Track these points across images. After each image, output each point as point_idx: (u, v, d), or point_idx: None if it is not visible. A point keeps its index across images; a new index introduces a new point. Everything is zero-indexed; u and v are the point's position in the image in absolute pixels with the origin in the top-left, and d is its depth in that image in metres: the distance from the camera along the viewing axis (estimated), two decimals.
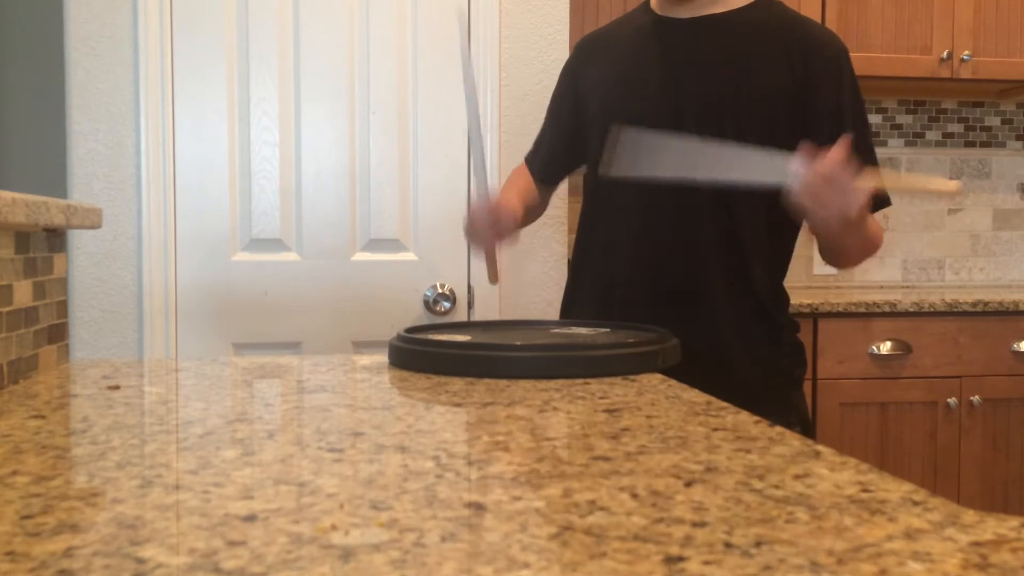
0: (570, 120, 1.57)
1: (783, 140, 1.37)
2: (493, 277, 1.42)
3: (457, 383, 1.02)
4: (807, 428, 1.45)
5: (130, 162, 2.12)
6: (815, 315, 2.40)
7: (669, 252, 1.40)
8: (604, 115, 1.46)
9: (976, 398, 2.48)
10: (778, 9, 1.42)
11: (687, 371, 1.12)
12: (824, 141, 1.37)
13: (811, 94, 1.36)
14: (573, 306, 1.55)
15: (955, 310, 2.48)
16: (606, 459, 0.67)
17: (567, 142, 1.58)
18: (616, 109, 1.44)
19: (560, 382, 1.02)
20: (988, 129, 3.19)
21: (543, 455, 0.68)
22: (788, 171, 1.17)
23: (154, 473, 0.63)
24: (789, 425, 1.34)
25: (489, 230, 1.37)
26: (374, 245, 2.23)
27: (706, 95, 1.37)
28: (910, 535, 0.49)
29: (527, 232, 2.20)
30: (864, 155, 1.38)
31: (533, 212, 1.61)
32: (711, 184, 1.26)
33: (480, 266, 2.23)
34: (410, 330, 1.25)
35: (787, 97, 1.35)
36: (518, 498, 0.57)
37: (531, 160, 1.65)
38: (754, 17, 1.40)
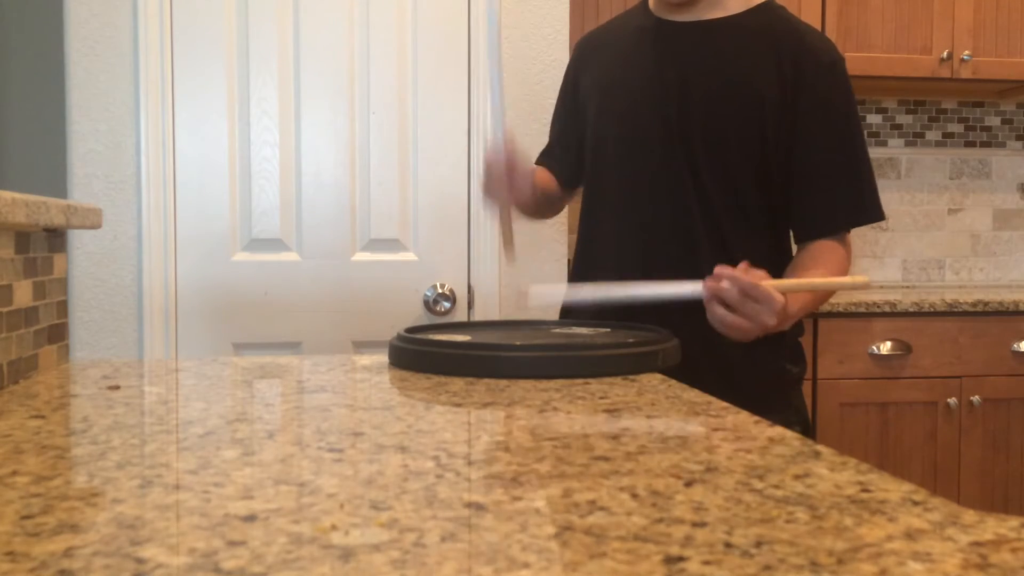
0: (575, 121, 1.56)
1: (773, 146, 1.37)
2: (510, 253, 1.35)
3: (457, 383, 1.02)
4: (807, 428, 1.45)
5: (130, 162, 2.12)
6: (815, 315, 2.40)
7: (667, 252, 1.40)
8: (601, 118, 1.47)
9: (976, 398, 2.48)
10: (776, 14, 1.42)
11: (687, 371, 1.12)
12: (811, 150, 1.36)
13: (801, 102, 1.35)
14: (574, 306, 1.55)
15: (955, 310, 2.48)
16: (606, 459, 0.67)
17: (577, 143, 1.57)
18: (612, 112, 1.44)
19: (560, 382, 1.02)
20: (988, 129, 3.19)
21: (543, 455, 0.68)
22: (698, 290, 1.18)
23: (154, 473, 0.63)
24: (789, 425, 1.34)
25: (506, 181, 1.31)
26: (374, 245, 2.23)
27: (700, 100, 1.37)
28: (910, 535, 0.49)
29: (527, 232, 2.21)
30: (856, 164, 1.38)
31: (546, 201, 1.58)
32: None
33: (480, 266, 2.23)
34: (410, 330, 1.25)
35: (777, 104, 1.35)
36: (518, 498, 0.57)
37: (547, 163, 1.62)
38: (752, 22, 1.40)
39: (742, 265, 1.17)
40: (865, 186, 1.39)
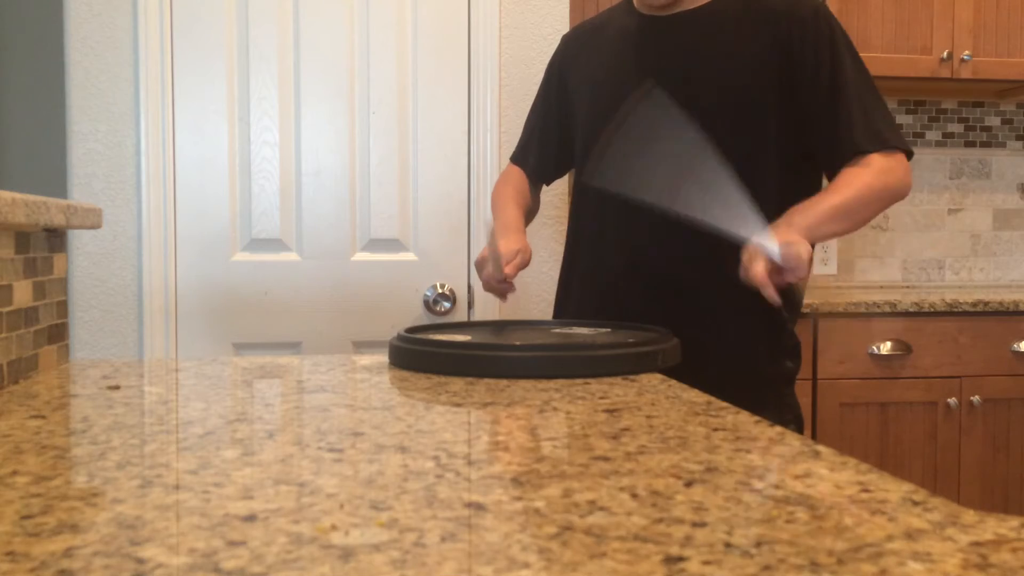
0: (559, 116, 1.57)
1: (775, 127, 1.36)
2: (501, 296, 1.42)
3: (457, 383, 1.02)
4: (801, 425, 1.45)
5: (130, 162, 2.12)
6: (815, 315, 2.40)
7: (660, 249, 1.40)
8: (591, 117, 1.47)
9: (976, 398, 2.48)
10: None
11: (686, 366, 1.13)
12: (818, 95, 1.35)
13: (796, 57, 1.34)
14: (566, 304, 1.55)
15: (955, 310, 2.48)
16: (606, 459, 0.67)
17: (558, 138, 1.58)
18: (603, 111, 1.44)
19: (560, 382, 1.02)
20: (988, 129, 3.19)
21: (543, 455, 0.68)
22: (754, 235, 1.20)
23: (154, 473, 0.63)
24: (785, 423, 1.34)
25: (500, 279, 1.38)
26: (374, 245, 2.23)
27: (693, 92, 1.37)
28: (910, 535, 0.49)
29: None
30: (862, 93, 1.35)
31: (530, 216, 1.62)
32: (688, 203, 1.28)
33: None
34: (410, 330, 1.25)
35: (777, 72, 1.34)
36: (518, 498, 0.57)
37: (522, 159, 1.65)
38: (733, 4, 1.39)
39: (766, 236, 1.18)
40: (875, 112, 1.34)
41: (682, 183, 1.38)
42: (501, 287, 1.38)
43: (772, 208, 1.34)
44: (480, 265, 1.39)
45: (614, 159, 1.44)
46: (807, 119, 1.36)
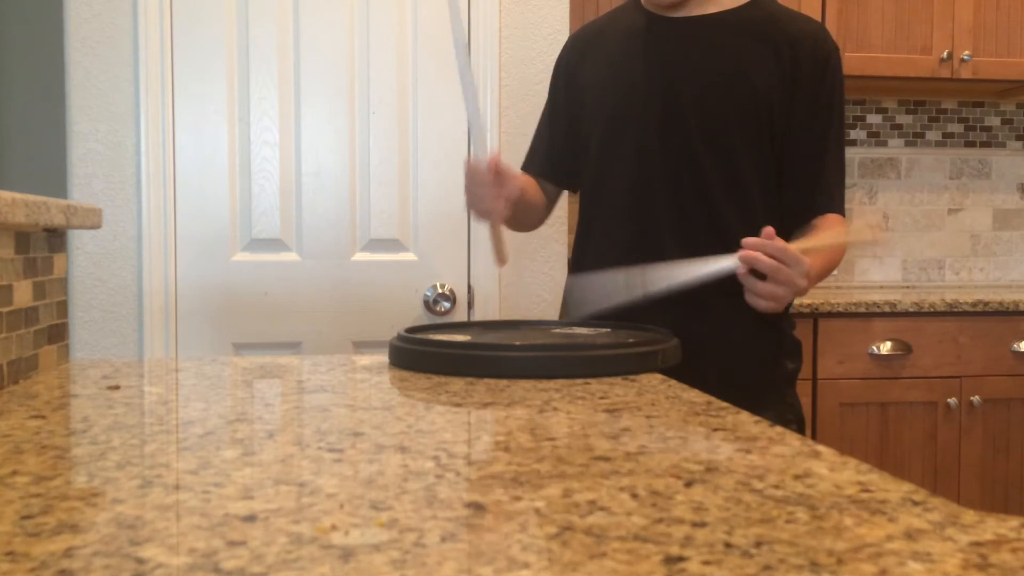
0: (568, 117, 1.56)
1: (770, 140, 1.37)
2: (501, 256, 1.33)
3: (457, 383, 1.02)
4: (802, 425, 1.45)
5: (130, 162, 2.12)
6: (815, 315, 2.40)
7: (665, 251, 1.40)
8: (598, 116, 1.46)
9: (976, 398, 2.48)
10: (771, 7, 1.42)
11: (686, 366, 1.13)
12: (804, 140, 1.38)
13: (799, 91, 1.36)
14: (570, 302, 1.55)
15: (955, 310, 2.48)
16: (606, 459, 0.67)
17: (564, 137, 1.57)
18: (609, 111, 1.44)
19: (560, 382, 1.02)
20: (988, 129, 3.19)
21: (543, 455, 0.68)
22: (734, 261, 1.18)
23: (154, 473, 0.63)
24: (785, 423, 1.34)
25: (492, 189, 1.28)
26: (374, 245, 2.23)
27: (698, 96, 1.37)
28: (910, 535, 0.49)
29: (526, 232, 2.20)
30: (835, 160, 1.41)
31: (532, 207, 1.57)
32: (669, 276, 1.26)
33: (480, 266, 2.23)
34: (410, 330, 1.25)
35: (776, 95, 1.36)
36: (518, 498, 0.57)
37: (528, 162, 1.62)
38: (747, 16, 1.40)
39: (767, 231, 1.17)
40: (841, 174, 1.42)
41: (684, 188, 1.38)
42: (495, 204, 1.28)
43: (753, 213, 1.37)
44: (470, 180, 1.30)
45: (618, 163, 1.44)
46: (786, 149, 1.39)
